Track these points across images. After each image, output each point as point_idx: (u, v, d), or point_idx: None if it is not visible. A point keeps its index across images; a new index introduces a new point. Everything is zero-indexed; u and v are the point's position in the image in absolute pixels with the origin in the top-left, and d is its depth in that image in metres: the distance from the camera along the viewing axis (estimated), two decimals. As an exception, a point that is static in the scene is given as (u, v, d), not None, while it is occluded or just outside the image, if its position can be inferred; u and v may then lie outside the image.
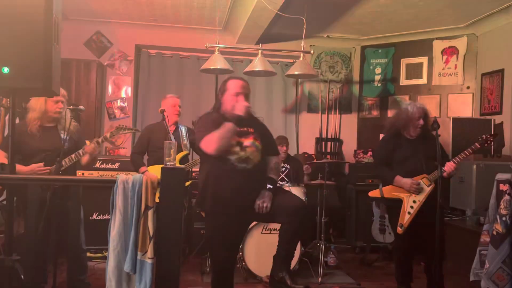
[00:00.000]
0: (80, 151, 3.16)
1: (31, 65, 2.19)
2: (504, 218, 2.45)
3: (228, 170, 2.67)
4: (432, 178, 3.45)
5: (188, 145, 4.24)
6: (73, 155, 3.13)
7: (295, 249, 2.83)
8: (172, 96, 4.41)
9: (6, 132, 3.99)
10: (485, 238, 2.63)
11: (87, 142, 3.27)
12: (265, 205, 2.67)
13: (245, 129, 2.79)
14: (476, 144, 3.44)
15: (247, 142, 2.74)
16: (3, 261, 2.29)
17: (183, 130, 4.31)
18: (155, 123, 4.48)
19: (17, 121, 2.64)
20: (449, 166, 3.38)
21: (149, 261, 2.14)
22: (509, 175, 2.54)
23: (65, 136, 3.09)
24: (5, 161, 2.45)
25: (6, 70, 2.15)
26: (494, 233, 2.51)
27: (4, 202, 2.97)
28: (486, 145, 3.48)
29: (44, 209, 2.80)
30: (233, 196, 2.68)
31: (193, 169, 4.60)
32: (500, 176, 2.62)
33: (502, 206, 2.48)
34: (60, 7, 2.39)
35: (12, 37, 2.18)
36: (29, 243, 2.75)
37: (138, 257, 2.15)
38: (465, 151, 3.41)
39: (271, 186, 2.76)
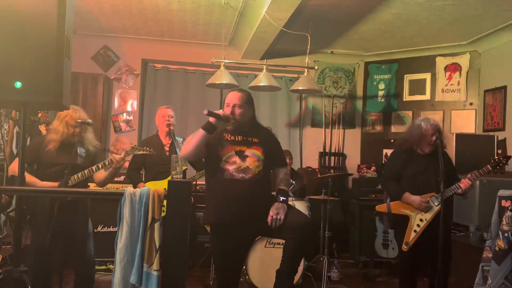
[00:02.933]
0: (106, 162, 3.21)
1: (43, 79, 2.24)
2: (506, 234, 2.47)
3: (226, 180, 2.71)
4: (441, 197, 3.44)
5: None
6: (86, 171, 3.18)
7: (298, 265, 2.83)
8: (162, 107, 4.32)
9: (15, 144, 4.07)
10: (487, 254, 2.65)
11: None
12: (279, 217, 2.67)
13: (249, 138, 2.83)
14: (488, 166, 3.44)
15: (248, 151, 2.78)
16: (11, 271, 2.32)
17: (180, 142, 4.19)
18: (150, 137, 4.48)
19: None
20: (465, 183, 3.42)
21: (155, 273, 2.17)
22: (511, 191, 2.57)
23: (82, 152, 3.19)
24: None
25: (18, 84, 2.20)
26: (497, 249, 2.53)
27: (11, 214, 3.03)
28: (498, 167, 3.46)
29: (51, 221, 2.84)
30: (231, 206, 2.71)
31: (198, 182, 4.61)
32: (502, 192, 2.65)
33: (504, 222, 2.50)
34: (72, 24, 2.46)
35: (25, 53, 2.24)
36: (37, 254, 2.78)
37: (144, 269, 2.18)
38: (479, 171, 3.42)
39: (284, 198, 2.79)
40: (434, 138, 3.49)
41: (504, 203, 2.52)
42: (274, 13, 4.28)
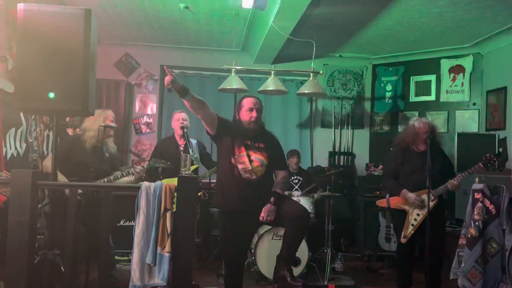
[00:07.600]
0: (131, 170, 3.63)
1: (71, 91, 2.64)
2: (477, 223, 2.75)
3: (235, 177, 3.11)
4: (435, 193, 3.67)
5: (198, 158, 4.56)
6: (111, 177, 3.57)
7: (296, 251, 3.20)
8: (177, 111, 4.76)
9: (45, 145, 4.50)
10: (462, 241, 2.92)
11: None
12: (269, 219, 3.07)
13: (257, 144, 3.21)
14: (480, 164, 3.64)
15: (254, 156, 3.16)
16: (46, 254, 2.72)
17: (193, 143, 4.61)
18: (166, 138, 4.91)
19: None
20: (451, 184, 3.65)
21: (167, 254, 2.54)
22: (482, 185, 2.84)
23: (107, 155, 3.59)
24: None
25: (52, 95, 2.60)
26: (469, 236, 2.80)
27: (44, 208, 3.43)
28: (489, 165, 3.65)
29: (79, 213, 3.23)
30: (238, 201, 3.11)
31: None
32: (475, 186, 2.92)
33: (475, 212, 2.78)
34: (96, 41, 2.85)
35: (56, 68, 2.63)
36: (68, 241, 3.17)
37: (158, 251, 2.55)
38: (469, 170, 3.64)
39: (276, 199, 3.13)
40: (426, 135, 3.73)
41: (477, 195, 2.79)
42: (280, 22, 4.59)
